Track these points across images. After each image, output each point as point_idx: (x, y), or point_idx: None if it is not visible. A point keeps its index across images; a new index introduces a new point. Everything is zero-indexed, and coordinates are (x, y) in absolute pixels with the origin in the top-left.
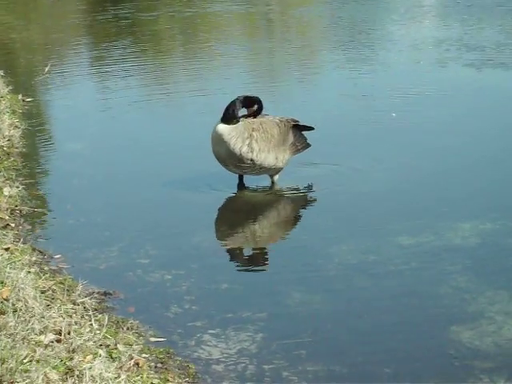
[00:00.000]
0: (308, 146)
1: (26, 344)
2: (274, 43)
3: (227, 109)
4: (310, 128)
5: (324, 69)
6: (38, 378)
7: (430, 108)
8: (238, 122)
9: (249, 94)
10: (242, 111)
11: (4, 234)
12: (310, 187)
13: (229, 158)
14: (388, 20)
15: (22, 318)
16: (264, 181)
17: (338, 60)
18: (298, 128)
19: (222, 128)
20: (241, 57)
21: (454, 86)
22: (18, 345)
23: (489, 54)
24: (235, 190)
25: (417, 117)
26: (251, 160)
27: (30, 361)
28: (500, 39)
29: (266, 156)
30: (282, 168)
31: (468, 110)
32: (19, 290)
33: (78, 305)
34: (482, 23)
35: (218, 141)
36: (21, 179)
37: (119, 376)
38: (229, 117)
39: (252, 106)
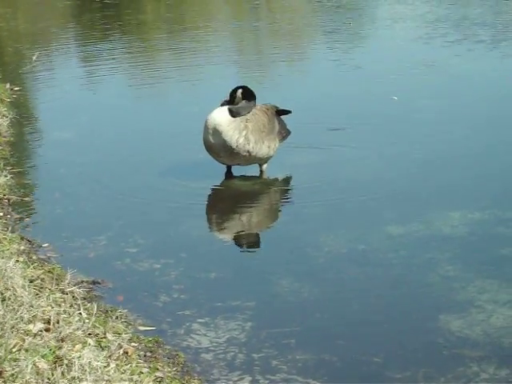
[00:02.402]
0: (289, 132)
1: (14, 333)
2: (261, 26)
3: (246, 109)
4: (287, 112)
5: (315, 51)
6: (27, 366)
7: (424, 93)
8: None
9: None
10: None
11: None
12: (298, 176)
13: (224, 150)
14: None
15: (11, 307)
16: (252, 169)
17: (330, 41)
18: (278, 113)
19: (222, 119)
20: (228, 40)
21: (452, 68)
22: (6, 334)
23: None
24: (224, 179)
25: (411, 104)
26: (247, 151)
27: (19, 350)
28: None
29: (261, 146)
30: (272, 156)
31: (463, 97)
32: (7, 279)
33: (67, 294)
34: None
35: (215, 131)
36: (9, 168)
37: (108, 365)
38: (235, 113)
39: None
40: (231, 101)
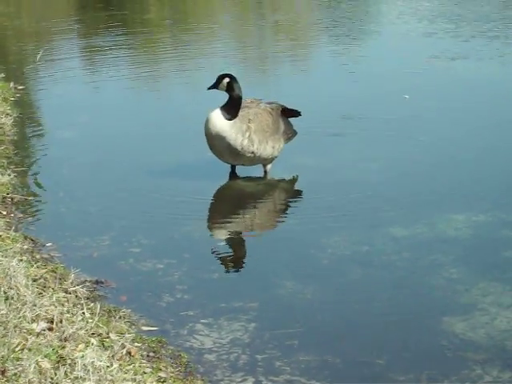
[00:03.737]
0: (295, 133)
1: (17, 332)
2: (265, 24)
3: (235, 106)
4: (297, 113)
5: (322, 48)
6: (29, 366)
7: (432, 92)
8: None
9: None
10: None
11: None
12: (302, 176)
13: (228, 152)
14: None
15: (14, 306)
16: (256, 170)
17: (336, 39)
18: (286, 114)
19: (222, 124)
20: (232, 37)
21: (464, 66)
22: (9, 333)
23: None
24: (227, 179)
25: (420, 103)
26: (252, 153)
27: (22, 349)
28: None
29: (265, 147)
30: (276, 157)
31: (470, 97)
32: (11, 278)
33: (70, 293)
34: None
35: (218, 136)
36: (12, 167)
37: (111, 365)
38: (234, 114)
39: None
40: (216, 84)
